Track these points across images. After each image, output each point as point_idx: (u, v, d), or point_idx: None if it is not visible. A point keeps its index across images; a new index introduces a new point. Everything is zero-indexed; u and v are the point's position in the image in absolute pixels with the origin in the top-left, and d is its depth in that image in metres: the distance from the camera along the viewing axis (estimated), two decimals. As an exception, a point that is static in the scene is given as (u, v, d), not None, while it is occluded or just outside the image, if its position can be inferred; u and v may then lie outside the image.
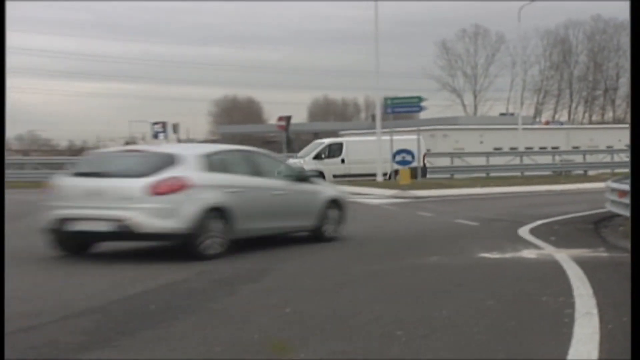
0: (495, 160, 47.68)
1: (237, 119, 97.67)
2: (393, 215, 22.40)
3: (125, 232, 12.38)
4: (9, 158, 62.80)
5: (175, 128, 73.75)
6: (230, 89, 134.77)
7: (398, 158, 34.85)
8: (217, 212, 12.82)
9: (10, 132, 78.90)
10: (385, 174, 40.78)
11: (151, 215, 12.22)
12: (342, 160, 42.58)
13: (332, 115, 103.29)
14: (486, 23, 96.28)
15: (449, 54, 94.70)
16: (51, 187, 13.23)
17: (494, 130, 59.07)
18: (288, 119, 71.34)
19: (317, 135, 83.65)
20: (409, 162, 34.72)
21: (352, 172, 41.86)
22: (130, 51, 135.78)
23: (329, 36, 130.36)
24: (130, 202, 12.28)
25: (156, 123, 73.33)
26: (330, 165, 41.51)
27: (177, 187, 12.40)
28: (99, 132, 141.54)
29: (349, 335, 7.27)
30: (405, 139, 40.95)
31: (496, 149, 51.82)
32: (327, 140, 45.39)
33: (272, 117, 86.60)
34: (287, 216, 14.53)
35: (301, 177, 15.60)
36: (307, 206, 15.03)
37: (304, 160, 41.33)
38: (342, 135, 52.06)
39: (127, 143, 77.49)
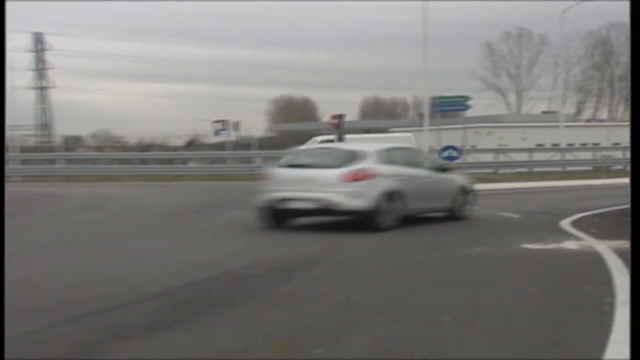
0: (537, 156, 47.36)
1: (292, 118, 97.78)
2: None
3: (325, 209, 15.35)
4: (85, 154, 63.74)
5: (236, 126, 74.04)
6: (286, 89, 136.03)
7: (445, 154, 34.68)
8: (392, 195, 15.57)
9: (86, 130, 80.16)
10: None
11: (345, 197, 15.07)
12: None
13: (382, 113, 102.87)
14: (529, 25, 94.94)
15: (493, 55, 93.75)
16: (267, 175, 16.24)
17: (537, 128, 58.79)
18: (341, 117, 71.05)
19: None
20: (455, 158, 34.52)
21: None
22: (196, 55, 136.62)
23: (380, 39, 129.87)
24: (330, 187, 15.21)
25: (217, 121, 73.76)
26: None
27: (364, 175, 15.26)
28: (165, 130, 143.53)
29: (397, 321, 7.29)
30: (400, 137, 41.87)
31: (538, 145, 51.55)
32: (319, 138, 44.97)
33: (325, 116, 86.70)
34: (433, 199, 17.20)
35: (441, 168, 18.53)
36: (446, 191, 17.71)
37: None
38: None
39: (191, 140, 78.04)
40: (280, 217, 15.89)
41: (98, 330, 6.99)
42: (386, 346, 6.39)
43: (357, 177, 15.25)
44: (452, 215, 17.84)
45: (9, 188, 27.09)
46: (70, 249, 13.31)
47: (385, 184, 15.54)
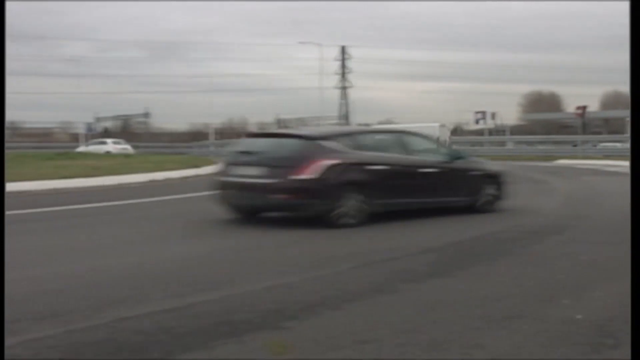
0: None
1: (541, 109, 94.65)
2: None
3: None
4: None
5: (493, 116, 73.55)
6: (536, 85, 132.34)
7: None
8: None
9: (374, 120, 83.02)
10: None
11: None
12: None
13: (622, 105, 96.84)
14: None
15: None
16: None
17: None
18: (584, 108, 68.18)
19: (607, 121, 79.25)
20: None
21: None
22: (460, 58, 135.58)
23: (615, 42, 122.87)
24: None
25: (478, 112, 73.59)
26: None
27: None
28: (435, 119, 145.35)
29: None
30: (426, 127, 40.13)
31: None
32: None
33: (569, 107, 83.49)
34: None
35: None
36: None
37: None
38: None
39: (455, 127, 78.11)
40: None
41: (389, 273, 7.23)
42: (626, 302, 6.16)
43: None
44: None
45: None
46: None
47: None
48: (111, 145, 51.83)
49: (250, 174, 10.85)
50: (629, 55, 4.17)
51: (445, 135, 44.97)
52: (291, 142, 11.15)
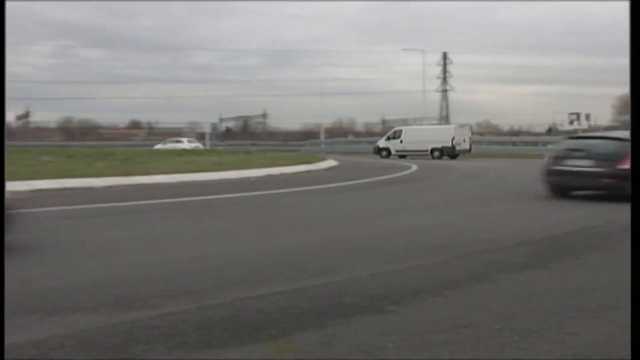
0: None
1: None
2: None
3: None
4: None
5: (587, 117, 71.19)
6: (627, 87, 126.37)
7: None
8: None
9: (472, 120, 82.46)
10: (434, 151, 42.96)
11: None
12: (401, 141, 44.44)
13: None
14: None
15: None
16: None
17: None
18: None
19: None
20: None
21: (407, 149, 43.82)
22: (556, 62, 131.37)
23: None
24: None
25: (572, 113, 71.49)
26: (394, 144, 44.61)
27: None
28: (530, 120, 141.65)
29: None
30: (440, 128, 47.31)
31: None
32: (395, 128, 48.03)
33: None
34: None
35: None
36: None
37: (381, 140, 46.64)
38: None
39: (550, 128, 75.79)
40: None
41: (488, 264, 7.10)
42: None
43: None
44: None
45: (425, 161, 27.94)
46: (463, 206, 13.56)
47: None
48: (186, 143, 55.52)
49: (582, 165, 14.13)
50: (629, 55, 3.89)
51: (465, 136, 44.25)
52: (612, 143, 14.11)
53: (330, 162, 32.00)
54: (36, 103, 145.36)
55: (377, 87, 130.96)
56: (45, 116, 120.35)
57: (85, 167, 22.01)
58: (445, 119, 76.78)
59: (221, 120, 78.14)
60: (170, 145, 52.86)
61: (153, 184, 18.23)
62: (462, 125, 46.67)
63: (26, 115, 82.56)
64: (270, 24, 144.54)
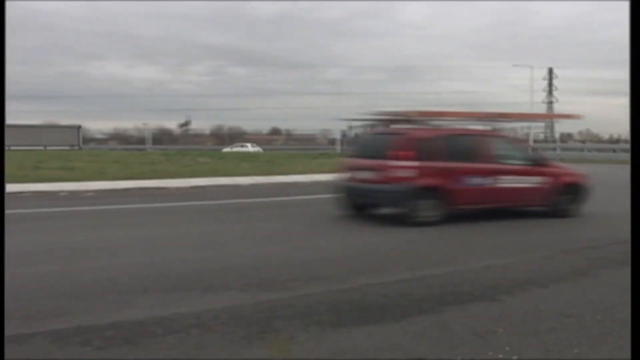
0: None
1: None
2: None
3: None
4: (574, 144, 61.47)
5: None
6: None
7: None
8: None
9: (573, 130, 79.48)
10: None
11: None
12: None
13: None
14: None
15: None
16: None
17: None
18: None
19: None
20: None
21: None
22: None
23: None
24: None
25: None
26: None
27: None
28: (627, 129, 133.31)
29: None
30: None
31: None
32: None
33: None
34: None
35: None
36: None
37: None
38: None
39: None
40: None
41: (590, 260, 6.79)
42: None
43: None
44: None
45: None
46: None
47: None
48: (250, 147, 56.10)
49: None
50: (629, 56, 3.50)
51: None
52: None
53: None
54: (195, 113, 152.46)
55: (489, 99, 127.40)
56: (201, 124, 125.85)
57: (234, 167, 22.80)
58: (550, 128, 73.75)
59: (350, 127, 78.62)
60: (236, 149, 53.99)
61: (291, 182, 18.62)
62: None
63: (186, 123, 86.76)
64: (392, 43, 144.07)
